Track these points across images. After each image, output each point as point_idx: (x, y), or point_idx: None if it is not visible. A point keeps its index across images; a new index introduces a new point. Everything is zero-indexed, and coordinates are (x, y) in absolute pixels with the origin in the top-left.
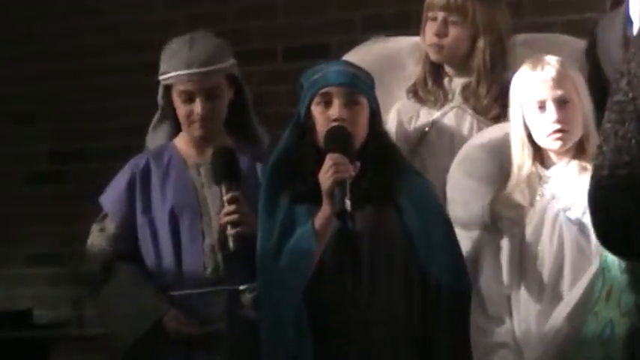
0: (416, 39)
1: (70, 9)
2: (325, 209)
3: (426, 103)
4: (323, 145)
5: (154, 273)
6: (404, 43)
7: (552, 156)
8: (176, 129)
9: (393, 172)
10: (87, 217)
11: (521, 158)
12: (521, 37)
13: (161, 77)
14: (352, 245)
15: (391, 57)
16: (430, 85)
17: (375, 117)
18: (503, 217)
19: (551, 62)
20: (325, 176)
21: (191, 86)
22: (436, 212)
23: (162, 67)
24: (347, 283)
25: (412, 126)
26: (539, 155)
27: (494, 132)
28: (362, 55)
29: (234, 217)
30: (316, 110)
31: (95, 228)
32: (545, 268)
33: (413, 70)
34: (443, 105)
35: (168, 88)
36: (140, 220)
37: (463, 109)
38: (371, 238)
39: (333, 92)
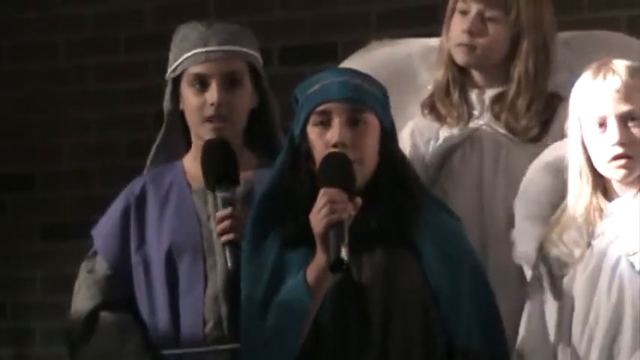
0: (428, 41)
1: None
2: (319, 257)
3: (447, 121)
4: (317, 177)
5: (149, 326)
6: (414, 46)
7: (616, 186)
8: (185, 147)
9: (411, 207)
10: (34, 258)
11: (579, 186)
12: (563, 36)
13: (170, 68)
14: (358, 300)
15: (399, 64)
16: (455, 96)
17: (388, 137)
18: (553, 258)
19: (618, 69)
20: (318, 217)
21: (207, 68)
22: (464, 259)
23: (172, 55)
24: (352, 348)
25: (430, 150)
26: (601, 184)
27: (563, 147)
28: (363, 63)
29: (228, 223)
30: (313, 132)
31: (84, 268)
32: (600, 327)
33: (426, 80)
34: (467, 123)
35: (177, 84)
36: (134, 259)
37: (493, 128)
38: (382, 291)
39: (333, 110)
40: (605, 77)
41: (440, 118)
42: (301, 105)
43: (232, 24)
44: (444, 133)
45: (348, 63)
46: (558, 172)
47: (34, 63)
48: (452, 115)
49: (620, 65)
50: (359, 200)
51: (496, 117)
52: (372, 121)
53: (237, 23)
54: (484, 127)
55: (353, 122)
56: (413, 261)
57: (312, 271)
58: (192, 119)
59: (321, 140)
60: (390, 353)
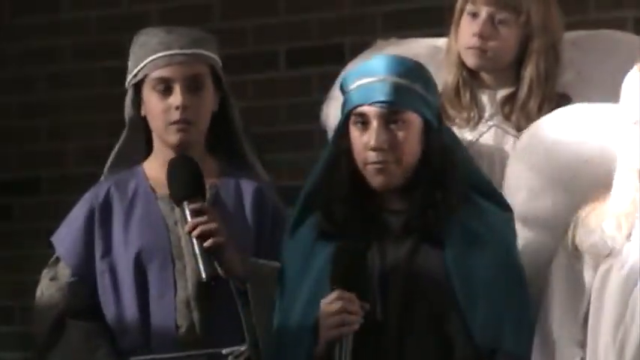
0: (435, 41)
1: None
2: (321, 348)
3: (455, 122)
4: (329, 276)
5: (117, 332)
6: (420, 46)
7: None
8: (146, 152)
9: (445, 201)
10: (41, 262)
11: (624, 179)
12: (570, 36)
13: (131, 75)
14: (375, 297)
15: None
16: (465, 98)
17: (431, 130)
18: (588, 246)
19: None
20: (328, 321)
21: (170, 72)
22: (494, 254)
23: (132, 61)
24: (368, 340)
25: None
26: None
27: (567, 118)
28: None
29: (211, 225)
30: (353, 131)
31: (46, 275)
32: (635, 328)
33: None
34: (477, 123)
35: (138, 91)
36: (100, 266)
37: (504, 129)
38: (400, 287)
39: (370, 113)
40: None
41: (449, 119)
42: (343, 102)
43: (192, 29)
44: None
45: (355, 63)
46: (564, 149)
47: (39, 67)
48: (461, 116)
49: None
50: (367, 306)
51: (506, 117)
52: (412, 119)
53: (243, 27)
54: (494, 128)
55: (391, 124)
56: (437, 256)
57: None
58: (156, 124)
59: (360, 142)
60: (405, 348)
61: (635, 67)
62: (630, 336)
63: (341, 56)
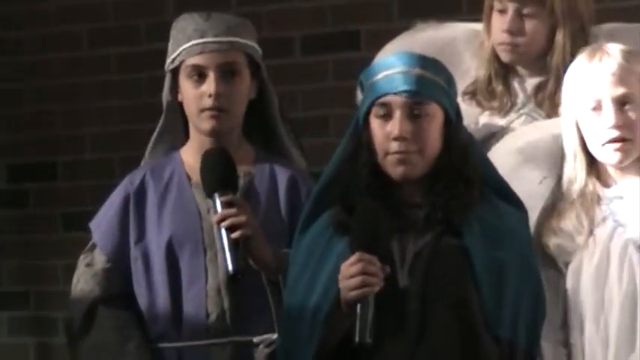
0: (473, 26)
1: None
2: (342, 317)
3: (488, 109)
4: (349, 240)
5: (148, 319)
6: (458, 30)
7: (612, 171)
8: (184, 137)
9: (465, 197)
10: (57, 247)
11: (572, 171)
12: (606, 28)
13: (168, 60)
14: (395, 288)
15: (443, 48)
16: (498, 88)
17: (452, 125)
18: (554, 247)
19: (613, 53)
20: (348, 283)
21: (204, 60)
22: (512, 250)
23: (171, 46)
24: (387, 333)
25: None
26: (596, 170)
27: (533, 133)
28: (408, 45)
29: (240, 218)
30: (375, 122)
31: (82, 261)
32: (614, 313)
33: (470, 65)
34: (509, 111)
35: (176, 76)
36: (133, 252)
37: (533, 117)
38: (420, 280)
39: (393, 103)
40: (600, 60)
41: (481, 105)
42: (365, 94)
43: (231, 15)
44: (484, 119)
45: (394, 43)
46: (530, 158)
47: (56, 53)
48: (493, 105)
49: (615, 49)
50: (387, 268)
51: (538, 105)
52: (435, 112)
53: (258, 13)
54: (524, 116)
55: (414, 114)
56: (457, 250)
57: (331, 325)
58: (190, 110)
59: (383, 132)
60: (426, 340)
61: (582, 57)
62: (611, 322)
63: (356, 42)
